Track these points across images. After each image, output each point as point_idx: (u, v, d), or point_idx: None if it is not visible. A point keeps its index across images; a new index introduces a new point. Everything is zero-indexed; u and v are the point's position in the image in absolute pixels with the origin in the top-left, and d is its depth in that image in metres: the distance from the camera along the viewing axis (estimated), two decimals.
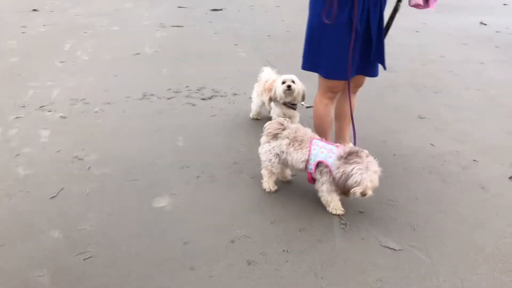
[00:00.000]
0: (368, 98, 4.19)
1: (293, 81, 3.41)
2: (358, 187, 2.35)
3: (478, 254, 2.34)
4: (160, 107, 4.19)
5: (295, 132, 2.66)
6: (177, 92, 4.59)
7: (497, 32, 8.30)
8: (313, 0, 2.78)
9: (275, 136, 2.72)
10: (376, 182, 2.39)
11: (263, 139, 2.82)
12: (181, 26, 7.74)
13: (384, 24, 2.81)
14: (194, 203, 2.74)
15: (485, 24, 8.89)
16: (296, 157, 2.60)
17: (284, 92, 3.41)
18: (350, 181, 2.36)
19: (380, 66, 2.94)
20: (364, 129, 3.54)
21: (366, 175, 2.34)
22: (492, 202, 2.83)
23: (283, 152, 2.67)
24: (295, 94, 3.42)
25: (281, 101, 3.52)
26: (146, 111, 4.12)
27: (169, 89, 4.65)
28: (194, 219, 2.58)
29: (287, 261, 2.26)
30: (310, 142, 2.58)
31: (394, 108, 4.35)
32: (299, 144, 2.60)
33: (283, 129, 2.70)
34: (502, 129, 3.95)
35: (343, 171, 2.38)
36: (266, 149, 2.76)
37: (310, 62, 2.88)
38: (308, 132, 2.70)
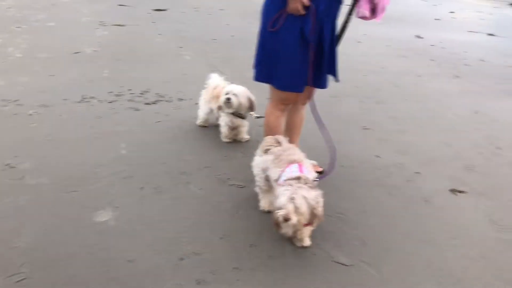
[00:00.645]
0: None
1: (234, 94, 3.35)
2: (281, 211, 2.14)
3: (425, 269, 2.39)
4: (100, 111, 3.95)
5: (284, 151, 2.54)
6: (119, 95, 4.37)
7: (431, 45, 8.73)
8: (265, 10, 2.72)
9: (267, 151, 2.63)
10: (303, 208, 2.13)
11: (258, 152, 2.74)
12: (123, 25, 7.45)
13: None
14: (139, 217, 2.58)
15: (421, 38, 9.33)
16: (272, 174, 2.51)
17: (224, 103, 3.37)
18: (276, 204, 2.20)
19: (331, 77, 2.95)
20: (312, 139, 3.55)
21: (292, 199, 2.13)
22: (435, 216, 2.91)
23: (267, 168, 2.58)
24: (234, 106, 3.39)
25: (225, 111, 3.47)
26: (85, 115, 3.88)
27: (110, 92, 4.42)
28: (139, 235, 2.42)
29: (238, 280, 2.18)
30: (289, 164, 2.44)
31: (339, 119, 4.40)
32: (279, 162, 2.49)
33: (276, 146, 2.62)
34: (441, 141, 4.11)
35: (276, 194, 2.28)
36: (257, 162, 2.69)
37: (263, 73, 2.82)
38: (297, 155, 2.53)
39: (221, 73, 3.95)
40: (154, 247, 2.34)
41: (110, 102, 4.17)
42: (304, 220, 2.17)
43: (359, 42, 7.89)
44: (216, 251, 2.36)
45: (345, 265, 2.36)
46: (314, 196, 2.20)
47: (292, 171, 2.36)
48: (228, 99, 3.36)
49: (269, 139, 2.69)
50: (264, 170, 2.59)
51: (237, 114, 3.48)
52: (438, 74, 6.64)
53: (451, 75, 6.65)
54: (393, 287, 2.23)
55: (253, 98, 3.46)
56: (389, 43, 8.47)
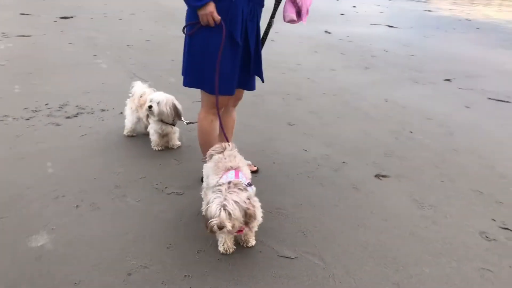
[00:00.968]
0: (241, 108, 4.27)
1: (157, 102, 3.34)
2: (214, 220, 2.07)
3: (363, 251, 2.56)
4: (18, 130, 3.72)
5: (224, 158, 2.53)
6: (36, 111, 4.13)
7: (340, 40, 9.21)
8: (193, 16, 2.72)
9: (210, 158, 2.62)
10: (236, 213, 2.08)
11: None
12: (29, 36, 7.02)
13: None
14: (79, 237, 2.49)
15: (329, 33, 9.80)
16: (211, 181, 2.50)
17: (147, 111, 3.37)
18: (208, 213, 2.11)
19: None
20: (242, 139, 3.63)
21: (223, 206, 2.07)
22: (365, 201, 3.12)
23: (207, 175, 2.58)
24: (155, 114, 3.40)
25: (153, 119, 3.45)
26: (2, 135, 3.63)
27: (26, 108, 4.16)
28: (82, 255, 2.34)
29: (191, 287, 2.20)
30: (226, 170, 2.45)
31: (265, 117, 4.53)
32: (217, 169, 2.50)
33: (219, 153, 2.60)
34: (360, 131, 4.39)
35: (207, 203, 2.19)
36: (204, 169, 2.67)
37: (193, 78, 2.82)
38: (235, 162, 2.51)
39: (141, 80, 3.89)
40: (100, 266, 2.28)
41: (28, 119, 3.93)
42: (238, 224, 2.13)
43: (273, 41, 8.11)
44: (164, 262, 2.35)
45: (290, 258, 2.46)
46: (245, 197, 2.14)
47: (228, 178, 2.37)
48: (150, 106, 3.35)
49: (215, 146, 2.68)
50: (207, 177, 2.61)
51: (166, 121, 3.46)
52: (349, 67, 7.05)
53: (361, 67, 7.08)
54: (338, 272, 2.37)
55: (178, 105, 3.45)
56: (301, 40, 8.81)
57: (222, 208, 2.07)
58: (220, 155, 2.57)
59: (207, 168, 2.61)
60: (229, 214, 2.07)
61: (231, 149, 2.62)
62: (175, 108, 3.43)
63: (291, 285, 2.26)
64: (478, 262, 2.56)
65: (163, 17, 9.92)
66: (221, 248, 2.45)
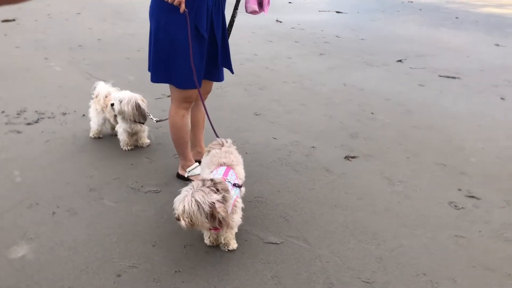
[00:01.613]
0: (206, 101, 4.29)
1: (119, 100, 3.29)
2: (174, 211, 2.13)
3: (344, 230, 2.66)
4: None
5: (218, 153, 2.53)
6: None
7: (292, 28, 9.32)
8: (156, 11, 2.69)
9: (208, 153, 2.64)
10: (192, 212, 2.04)
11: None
12: None
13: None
14: (60, 243, 2.43)
15: (280, 22, 9.89)
16: (204, 175, 2.50)
17: (111, 109, 3.36)
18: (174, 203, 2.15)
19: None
20: (211, 131, 3.63)
21: (184, 200, 2.07)
22: (338, 182, 3.22)
23: (203, 169, 2.58)
24: (115, 112, 3.35)
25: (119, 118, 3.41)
26: None
27: None
28: (67, 261, 2.29)
29: (183, 282, 2.21)
30: (218, 166, 2.46)
31: (231, 108, 4.55)
32: (211, 164, 2.50)
33: (218, 148, 2.60)
34: (324, 115, 4.50)
35: None
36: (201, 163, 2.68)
37: (160, 74, 2.80)
38: (228, 158, 2.51)
39: (99, 80, 3.79)
40: (87, 270, 2.24)
41: None
42: (201, 223, 2.07)
43: None
44: (152, 260, 2.34)
45: (276, 243, 2.52)
46: (214, 199, 2.06)
47: (217, 174, 2.39)
48: (112, 104, 3.33)
49: (214, 142, 2.68)
50: (202, 170, 2.62)
51: (135, 120, 3.40)
52: (305, 54, 7.16)
53: (316, 54, 7.21)
54: (323, 253, 2.45)
55: (142, 104, 3.38)
56: (254, 30, 8.84)
57: (181, 203, 2.07)
58: (218, 150, 2.57)
59: (203, 162, 2.64)
60: (184, 211, 2.05)
61: (229, 145, 2.63)
62: (138, 107, 3.35)
63: (280, 270, 2.31)
64: (451, 230, 2.71)
65: (111, 14, 9.66)
66: (207, 241, 2.47)
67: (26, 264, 2.26)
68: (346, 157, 3.59)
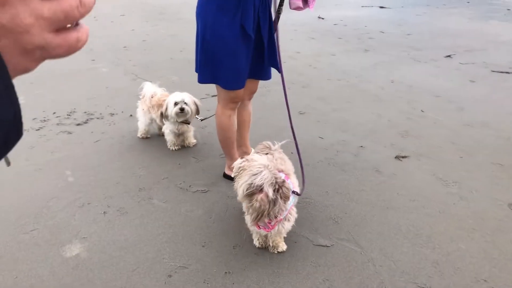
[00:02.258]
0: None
1: (185, 102, 3.28)
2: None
3: (397, 233, 2.56)
4: (30, 141, 3.66)
5: (275, 160, 2.44)
6: (44, 121, 4.08)
7: (335, 24, 9.17)
8: (204, 11, 2.68)
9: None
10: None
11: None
12: None
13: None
14: (112, 243, 2.46)
15: (322, 18, 9.75)
16: None
17: (177, 114, 3.29)
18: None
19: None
20: (257, 131, 3.61)
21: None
22: (389, 183, 3.11)
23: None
24: (188, 115, 3.32)
25: (173, 120, 3.38)
26: (15, 147, 3.56)
27: (34, 118, 4.10)
28: (119, 261, 2.32)
29: (233, 283, 2.18)
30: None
31: (275, 107, 4.50)
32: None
33: (267, 153, 2.53)
34: (372, 113, 4.38)
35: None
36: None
37: (207, 74, 2.79)
38: (287, 167, 2.48)
39: (145, 80, 3.84)
40: (139, 270, 2.26)
41: (38, 130, 3.88)
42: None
43: None
44: (202, 260, 2.34)
45: (327, 246, 2.45)
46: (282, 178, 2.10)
47: None
48: (182, 109, 3.26)
49: (259, 147, 2.62)
50: None
51: (183, 121, 3.41)
52: (349, 51, 7.01)
53: (361, 50, 7.05)
54: (376, 256, 2.36)
55: (198, 102, 3.41)
56: (296, 27, 8.76)
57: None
58: (269, 156, 2.47)
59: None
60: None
61: (276, 149, 2.56)
62: (195, 105, 3.39)
63: (332, 273, 2.25)
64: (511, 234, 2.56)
65: (153, 16, 9.83)
66: (256, 243, 2.43)
67: (80, 263, 2.30)
68: (397, 157, 3.47)
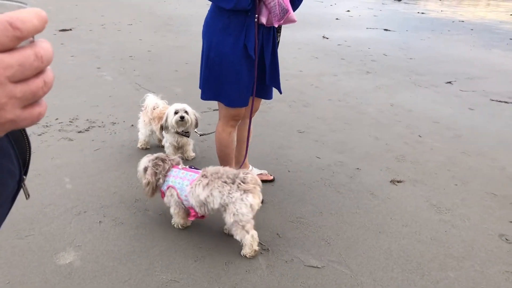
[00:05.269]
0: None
1: (186, 112, 3.32)
2: None
3: (388, 258, 2.59)
4: (32, 146, 3.68)
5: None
6: (46, 126, 4.13)
7: (339, 45, 9.27)
8: (209, 30, 2.74)
9: None
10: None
11: None
12: None
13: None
14: (105, 253, 2.49)
15: (327, 38, 9.87)
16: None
17: (177, 122, 3.31)
18: None
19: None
20: (255, 148, 3.65)
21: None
22: (383, 207, 3.14)
23: None
24: (188, 124, 3.36)
25: (173, 131, 3.41)
26: None
27: (36, 123, 4.13)
28: (112, 271, 2.35)
29: None
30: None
31: (275, 125, 4.55)
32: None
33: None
34: (370, 136, 4.43)
35: None
36: None
37: (210, 91, 2.84)
38: (229, 172, 2.59)
39: (148, 91, 3.90)
40: (130, 282, 2.28)
41: (40, 135, 3.93)
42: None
43: None
44: (193, 275, 2.36)
45: (318, 267, 2.48)
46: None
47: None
48: (182, 117, 3.30)
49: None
50: None
51: (183, 133, 3.46)
52: (351, 72, 7.09)
53: (363, 72, 7.14)
54: (365, 281, 2.39)
55: (197, 114, 3.46)
56: (300, 46, 8.86)
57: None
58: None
59: None
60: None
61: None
62: (195, 117, 3.43)
63: None
64: (501, 265, 2.59)
65: (161, 26, 9.95)
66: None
67: (73, 272, 2.33)
68: (392, 181, 3.51)
